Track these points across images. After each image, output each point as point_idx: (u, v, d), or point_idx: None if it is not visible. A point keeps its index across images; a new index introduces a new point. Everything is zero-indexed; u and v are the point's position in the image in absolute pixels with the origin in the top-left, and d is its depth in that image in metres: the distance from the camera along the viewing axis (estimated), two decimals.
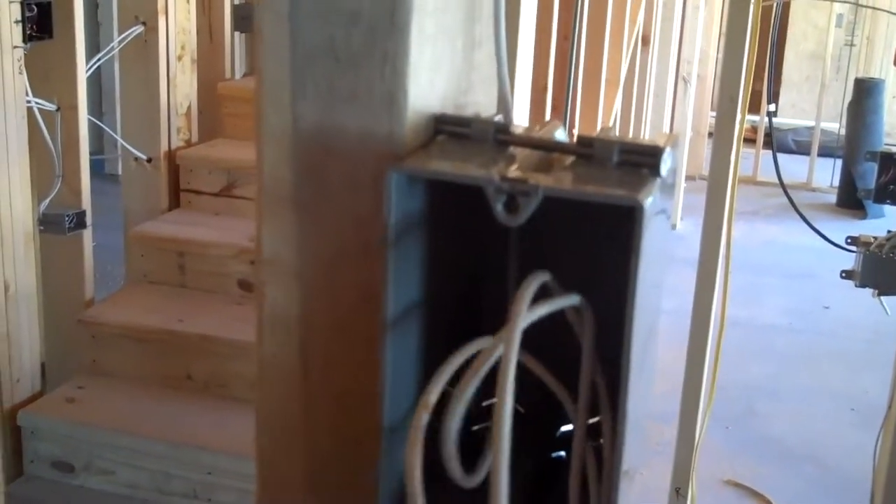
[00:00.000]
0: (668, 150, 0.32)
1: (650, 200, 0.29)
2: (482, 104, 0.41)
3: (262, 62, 0.33)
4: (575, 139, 0.34)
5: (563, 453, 0.38)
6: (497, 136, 0.34)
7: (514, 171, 0.30)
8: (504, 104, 0.41)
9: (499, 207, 0.31)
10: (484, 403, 0.37)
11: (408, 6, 0.31)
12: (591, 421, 0.34)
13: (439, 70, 0.35)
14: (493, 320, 0.34)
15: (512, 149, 0.34)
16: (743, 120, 2.66)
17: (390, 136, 0.32)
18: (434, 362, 0.35)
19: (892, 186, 2.36)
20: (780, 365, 3.61)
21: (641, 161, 0.32)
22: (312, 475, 0.37)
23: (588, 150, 0.33)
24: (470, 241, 0.35)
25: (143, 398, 2.53)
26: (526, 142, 0.34)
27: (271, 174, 0.34)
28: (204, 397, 2.54)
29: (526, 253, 0.34)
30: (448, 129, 0.35)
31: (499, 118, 0.37)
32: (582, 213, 0.31)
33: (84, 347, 2.63)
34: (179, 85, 2.92)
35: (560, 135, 0.39)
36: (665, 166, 0.32)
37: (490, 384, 0.34)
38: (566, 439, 0.38)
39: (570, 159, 0.34)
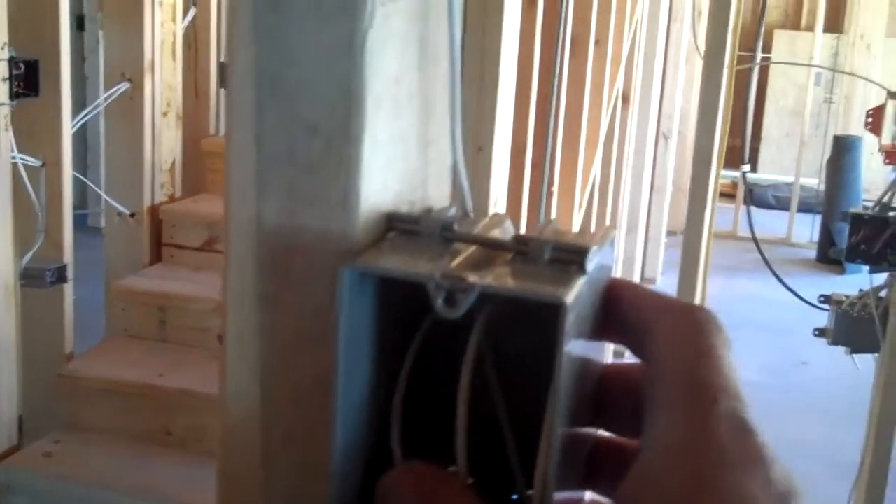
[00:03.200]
0: (595, 248, 0.36)
1: (571, 297, 0.32)
2: (437, 197, 0.45)
3: (230, 165, 0.36)
4: (514, 237, 0.38)
5: None
6: (443, 233, 0.37)
7: (452, 269, 0.33)
8: (461, 197, 0.44)
9: (439, 302, 0.34)
10: None
11: (361, 120, 0.35)
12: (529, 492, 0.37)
13: (392, 170, 0.38)
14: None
15: (457, 245, 0.37)
16: (718, 178, 2.71)
17: (345, 235, 0.35)
18: (385, 441, 0.38)
19: (863, 246, 2.41)
20: (757, 419, 3.63)
21: (570, 258, 0.35)
22: None
23: (524, 248, 0.36)
24: (419, 327, 0.38)
25: (122, 453, 2.53)
26: (468, 239, 0.37)
27: (236, 267, 0.37)
28: (183, 452, 2.55)
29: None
30: (399, 226, 0.38)
31: (453, 211, 0.40)
32: (521, 304, 0.34)
33: (63, 401, 2.64)
34: (164, 141, 2.96)
35: (507, 227, 0.43)
36: (591, 264, 0.35)
37: (441, 452, 0.37)
38: None
39: (509, 255, 0.37)
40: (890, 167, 3.04)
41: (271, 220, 0.36)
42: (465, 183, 0.52)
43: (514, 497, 0.41)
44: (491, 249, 0.38)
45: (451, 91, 0.49)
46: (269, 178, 0.36)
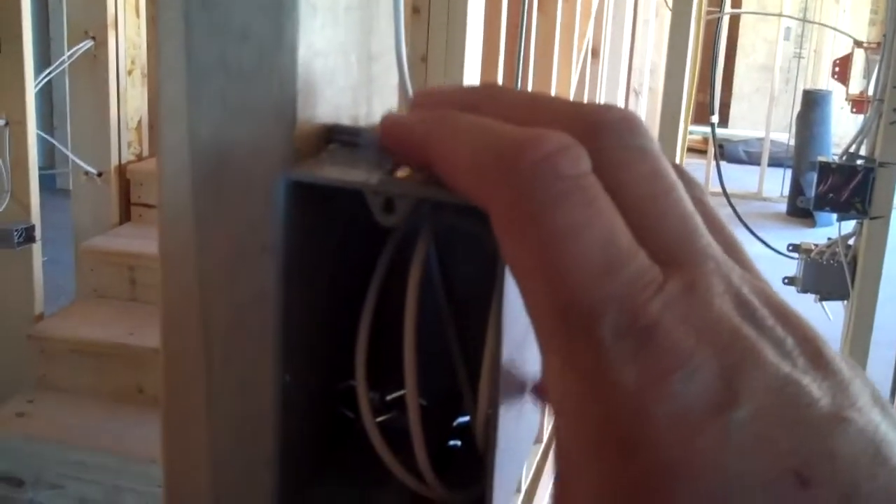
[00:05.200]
0: None
1: None
2: (380, 114, 0.44)
3: (160, 78, 0.35)
4: None
5: (458, 443, 0.40)
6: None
7: (390, 176, 0.32)
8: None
9: (377, 209, 0.33)
10: (388, 398, 0.39)
11: (295, 26, 0.34)
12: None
13: (331, 83, 0.37)
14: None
15: (399, 157, 0.36)
16: (685, 132, 2.71)
17: (281, 147, 0.35)
18: (335, 354, 0.37)
19: (831, 195, 2.42)
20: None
21: None
22: (215, 468, 0.39)
23: None
24: (367, 240, 0.37)
25: (94, 412, 2.52)
26: None
27: (170, 184, 0.36)
28: (155, 410, 2.53)
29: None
30: (340, 139, 0.37)
31: None
32: (469, 225, 0.33)
33: (34, 362, 2.63)
34: (130, 99, 2.93)
35: None
36: None
37: (392, 378, 0.36)
38: (464, 428, 0.40)
39: None
40: (859, 118, 3.04)
41: (204, 134, 0.35)
42: (412, 99, 0.52)
43: (466, 419, 0.41)
44: None
45: (394, 5, 0.48)
46: (200, 90, 0.35)
